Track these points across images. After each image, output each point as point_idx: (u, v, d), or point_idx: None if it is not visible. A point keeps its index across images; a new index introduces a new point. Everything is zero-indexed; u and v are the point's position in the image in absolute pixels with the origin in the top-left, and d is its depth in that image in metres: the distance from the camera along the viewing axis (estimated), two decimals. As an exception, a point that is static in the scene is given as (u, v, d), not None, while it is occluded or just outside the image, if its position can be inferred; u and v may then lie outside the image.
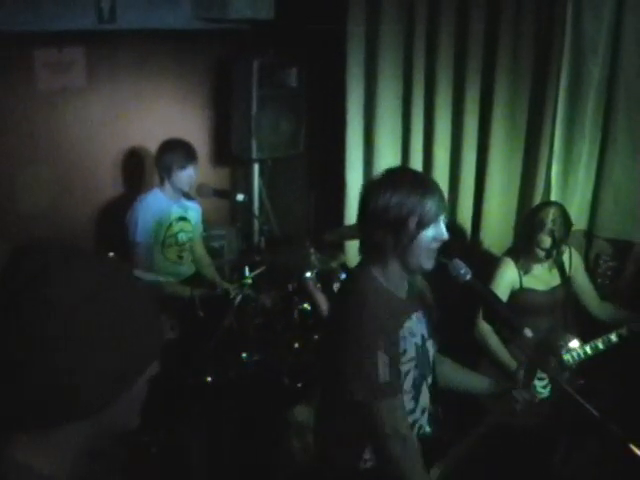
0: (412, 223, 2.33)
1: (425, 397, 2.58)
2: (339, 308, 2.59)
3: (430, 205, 2.34)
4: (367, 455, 2.49)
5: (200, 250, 4.88)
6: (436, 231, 2.38)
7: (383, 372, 2.29)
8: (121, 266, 1.24)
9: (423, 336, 2.55)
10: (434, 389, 2.64)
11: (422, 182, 2.44)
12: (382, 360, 2.30)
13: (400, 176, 2.48)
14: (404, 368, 2.42)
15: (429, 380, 2.60)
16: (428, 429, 2.63)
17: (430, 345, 2.60)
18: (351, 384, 2.33)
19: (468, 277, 2.44)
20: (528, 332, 2.42)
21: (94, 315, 1.10)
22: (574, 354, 3.60)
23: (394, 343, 2.36)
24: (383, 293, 2.44)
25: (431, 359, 2.62)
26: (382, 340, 2.31)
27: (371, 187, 2.43)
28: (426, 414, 2.61)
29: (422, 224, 2.34)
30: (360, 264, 2.56)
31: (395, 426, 2.34)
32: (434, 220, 2.37)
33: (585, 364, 3.65)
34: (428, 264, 2.42)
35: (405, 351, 2.41)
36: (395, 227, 2.34)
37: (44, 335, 1.06)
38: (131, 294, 1.18)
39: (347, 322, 2.41)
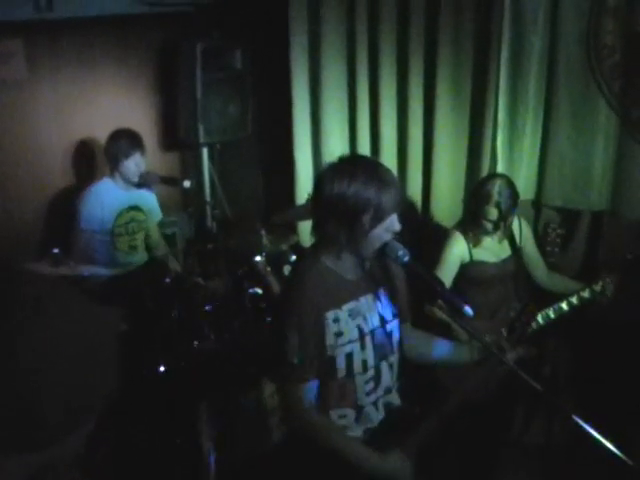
0: (367, 217, 2.31)
1: (387, 376, 2.60)
2: (282, 289, 2.64)
3: (386, 199, 2.32)
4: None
5: (155, 236, 4.86)
6: (389, 223, 2.37)
7: (291, 352, 2.33)
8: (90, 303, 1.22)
9: (383, 318, 2.55)
10: (400, 366, 2.66)
11: (380, 174, 2.38)
12: (292, 340, 2.33)
13: (358, 165, 2.43)
14: (341, 350, 2.44)
15: (391, 359, 2.61)
16: (397, 402, 2.66)
17: (393, 327, 2.60)
18: (272, 360, 2.43)
19: (406, 259, 2.41)
20: (469, 310, 2.44)
21: (69, 346, 1.07)
22: None
23: (317, 324, 2.38)
24: (325, 274, 2.44)
25: (395, 340, 2.62)
26: (297, 320, 2.34)
27: (328, 173, 2.39)
28: (393, 392, 2.64)
29: (377, 218, 2.33)
30: (312, 246, 2.57)
31: (295, 410, 2.43)
32: (389, 214, 2.35)
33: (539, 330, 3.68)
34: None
35: (341, 333, 2.42)
36: (349, 220, 2.32)
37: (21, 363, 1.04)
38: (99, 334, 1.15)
39: (278, 302, 2.46)
